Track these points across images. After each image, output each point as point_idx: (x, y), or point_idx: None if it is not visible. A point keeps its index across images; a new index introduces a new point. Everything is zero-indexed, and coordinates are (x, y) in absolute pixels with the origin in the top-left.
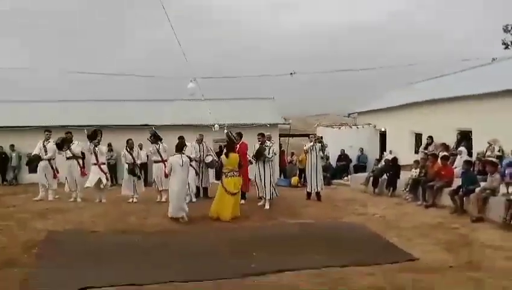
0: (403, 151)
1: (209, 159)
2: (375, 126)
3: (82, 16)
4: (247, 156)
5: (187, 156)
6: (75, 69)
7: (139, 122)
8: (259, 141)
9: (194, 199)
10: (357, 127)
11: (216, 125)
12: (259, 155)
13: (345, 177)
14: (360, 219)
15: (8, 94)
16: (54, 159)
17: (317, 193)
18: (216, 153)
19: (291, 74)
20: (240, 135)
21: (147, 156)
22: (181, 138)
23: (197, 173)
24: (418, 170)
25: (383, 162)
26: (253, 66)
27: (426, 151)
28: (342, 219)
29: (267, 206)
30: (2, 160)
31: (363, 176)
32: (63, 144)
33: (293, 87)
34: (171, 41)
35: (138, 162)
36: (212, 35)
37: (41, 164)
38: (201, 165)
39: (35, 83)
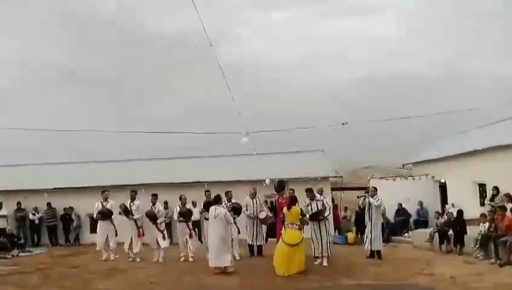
0: (466, 203)
1: (263, 214)
2: (433, 177)
3: (136, 75)
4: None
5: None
6: (129, 128)
7: (193, 179)
8: (308, 197)
9: (237, 257)
10: (414, 179)
11: (267, 180)
12: (316, 217)
13: (406, 234)
14: (427, 280)
15: (66, 156)
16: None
17: (378, 252)
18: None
19: (343, 124)
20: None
21: (200, 213)
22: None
23: (239, 231)
24: (486, 224)
25: (445, 216)
26: (303, 116)
27: (493, 204)
28: (407, 280)
29: (325, 263)
30: (65, 221)
31: (425, 231)
32: (127, 213)
33: (341, 139)
34: (223, 96)
35: (193, 218)
36: (261, 88)
37: (102, 224)
38: (255, 221)
39: (90, 144)
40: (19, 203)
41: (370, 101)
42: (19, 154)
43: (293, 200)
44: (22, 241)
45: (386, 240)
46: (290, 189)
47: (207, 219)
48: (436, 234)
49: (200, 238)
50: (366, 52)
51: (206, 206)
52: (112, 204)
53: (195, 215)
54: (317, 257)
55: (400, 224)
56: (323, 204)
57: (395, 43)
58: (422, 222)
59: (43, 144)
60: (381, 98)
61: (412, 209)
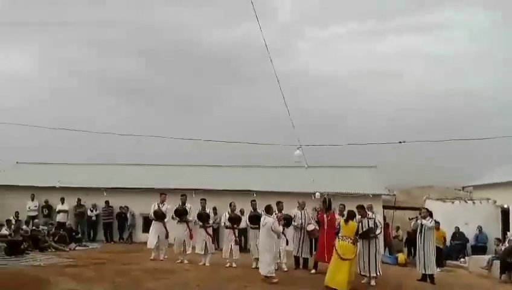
0: None
1: (310, 227)
2: (495, 202)
3: (196, 87)
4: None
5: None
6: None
7: (242, 187)
8: (359, 214)
9: (285, 268)
10: (474, 203)
11: (317, 194)
12: (366, 235)
13: (462, 259)
14: None
15: (125, 158)
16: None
17: (431, 275)
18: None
19: (400, 142)
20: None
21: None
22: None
23: (287, 243)
24: None
25: (506, 244)
26: (356, 132)
27: None
28: None
29: (372, 283)
30: (121, 219)
31: (483, 258)
32: (180, 216)
33: (396, 157)
34: (278, 109)
35: (239, 227)
36: (315, 101)
37: (155, 225)
38: (302, 232)
39: (148, 148)
40: (79, 200)
41: (431, 119)
42: (80, 154)
43: (351, 215)
44: (80, 235)
45: (441, 264)
46: (341, 204)
47: (252, 228)
48: (495, 262)
49: (245, 246)
50: (427, 69)
51: (252, 219)
52: (167, 207)
53: (242, 223)
54: (364, 276)
55: (456, 248)
56: (374, 222)
57: (460, 61)
58: (480, 248)
59: (105, 145)
60: (444, 117)
61: (470, 234)
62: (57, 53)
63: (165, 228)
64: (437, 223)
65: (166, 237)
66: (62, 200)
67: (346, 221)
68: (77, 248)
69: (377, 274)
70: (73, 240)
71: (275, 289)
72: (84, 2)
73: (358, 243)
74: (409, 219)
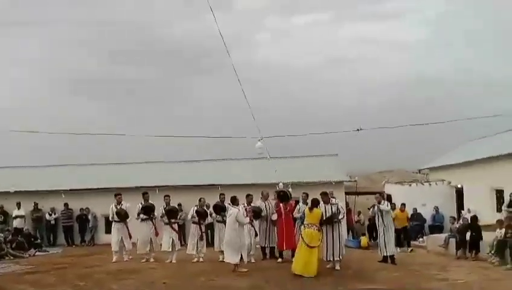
0: (483, 209)
1: (274, 217)
2: (449, 182)
3: (155, 80)
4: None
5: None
6: (148, 133)
7: (207, 182)
8: (322, 200)
9: (252, 260)
10: (430, 184)
11: (280, 184)
12: (330, 221)
13: (420, 239)
14: (441, 286)
15: (84, 157)
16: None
17: (391, 257)
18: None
19: (357, 130)
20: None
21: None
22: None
23: (257, 234)
24: (503, 230)
25: (461, 222)
26: (318, 121)
27: (511, 210)
28: (420, 285)
29: (337, 267)
30: (81, 222)
31: (440, 237)
32: (148, 213)
33: (356, 144)
34: (239, 100)
35: (206, 222)
36: (278, 92)
37: (117, 226)
38: (267, 223)
39: (111, 146)
40: (35, 204)
41: (388, 105)
42: (37, 156)
43: (314, 203)
44: (39, 241)
45: (399, 244)
46: (303, 192)
47: (218, 221)
48: (451, 239)
49: (212, 241)
50: (384, 56)
51: (216, 208)
52: (127, 206)
53: (209, 219)
54: (330, 261)
55: (414, 229)
56: (337, 208)
57: (416, 48)
58: (437, 227)
59: (62, 146)
60: (399, 102)
61: (427, 214)
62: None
63: (127, 228)
64: (403, 205)
65: (130, 237)
66: (18, 205)
67: (310, 209)
68: (37, 253)
69: (340, 258)
70: (32, 245)
71: (242, 281)
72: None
73: (323, 229)
74: (368, 208)
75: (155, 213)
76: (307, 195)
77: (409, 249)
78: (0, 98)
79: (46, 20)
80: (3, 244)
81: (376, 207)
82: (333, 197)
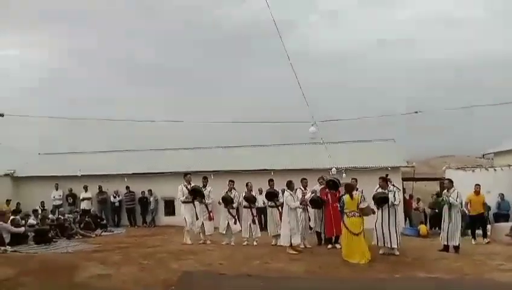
0: None
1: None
2: None
3: (207, 67)
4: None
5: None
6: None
7: (259, 167)
8: (380, 185)
9: (307, 245)
10: (495, 170)
11: (333, 169)
12: (382, 202)
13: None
14: (505, 277)
15: (143, 143)
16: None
17: (455, 247)
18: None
19: (415, 112)
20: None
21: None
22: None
23: (310, 219)
24: None
25: None
26: (374, 106)
27: None
28: (483, 275)
29: (397, 253)
30: (143, 204)
31: (506, 225)
32: (195, 195)
33: (415, 128)
34: (291, 83)
35: (257, 205)
36: (328, 76)
37: (188, 207)
38: (322, 209)
39: (170, 131)
40: (100, 187)
41: (447, 87)
42: (100, 143)
43: (349, 189)
44: (104, 221)
45: (463, 233)
46: (353, 178)
47: (271, 207)
48: None
49: (265, 225)
50: (443, 34)
51: (268, 195)
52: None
53: (260, 203)
54: (383, 247)
55: (478, 217)
56: (394, 195)
57: (473, 25)
58: (503, 216)
59: (124, 133)
60: (459, 83)
61: (492, 202)
62: (67, 44)
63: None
64: (477, 186)
65: (197, 218)
66: (85, 188)
67: (351, 196)
68: (103, 233)
69: (398, 245)
70: (98, 226)
71: (298, 265)
72: None
73: (377, 214)
74: (432, 195)
75: (208, 199)
76: (356, 180)
77: (486, 241)
78: (68, 92)
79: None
80: (72, 224)
81: (446, 198)
82: (392, 184)
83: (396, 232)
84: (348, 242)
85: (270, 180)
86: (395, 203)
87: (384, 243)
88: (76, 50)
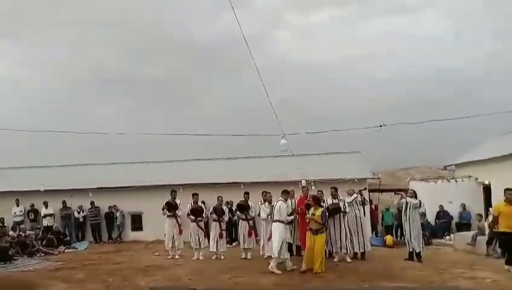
0: None
1: (289, 219)
2: (477, 179)
3: (179, 80)
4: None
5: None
6: (172, 131)
7: (228, 180)
8: (331, 195)
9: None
10: (456, 181)
11: (303, 181)
12: (334, 212)
13: (447, 237)
14: (469, 284)
15: (109, 157)
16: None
17: (418, 254)
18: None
19: (380, 126)
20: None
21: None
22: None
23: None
24: None
25: (489, 219)
26: (340, 118)
27: None
28: (447, 283)
29: (348, 260)
30: (109, 219)
31: (468, 234)
32: (170, 208)
33: (380, 140)
34: (258, 98)
35: (226, 219)
36: (300, 90)
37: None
38: (294, 221)
39: (137, 143)
40: (64, 202)
41: (409, 100)
42: (65, 156)
43: (318, 200)
44: (68, 238)
45: (427, 243)
46: (319, 191)
47: (242, 219)
48: (479, 237)
49: (236, 238)
50: (403, 51)
51: (240, 207)
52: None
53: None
54: (336, 253)
55: (441, 227)
56: (344, 203)
57: (434, 42)
58: (464, 225)
59: (89, 145)
60: (421, 98)
61: (454, 211)
62: (39, 54)
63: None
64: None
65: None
66: (45, 204)
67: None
68: (66, 250)
69: (348, 250)
70: (61, 243)
71: (268, 278)
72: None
73: (330, 222)
74: (395, 193)
75: (179, 211)
76: (336, 189)
77: None
78: (29, 99)
79: (70, 21)
80: (34, 241)
81: (404, 199)
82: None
83: (346, 238)
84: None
85: (246, 193)
86: (346, 210)
87: (334, 248)
88: (39, 59)
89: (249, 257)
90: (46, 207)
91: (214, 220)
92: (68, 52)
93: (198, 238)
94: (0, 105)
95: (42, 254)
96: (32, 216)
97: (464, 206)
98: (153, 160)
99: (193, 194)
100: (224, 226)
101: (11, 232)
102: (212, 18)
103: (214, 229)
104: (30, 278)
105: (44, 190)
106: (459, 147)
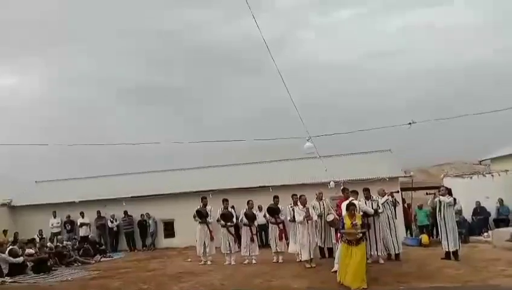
0: None
1: (330, 217)
2: None
3: (201, 86)
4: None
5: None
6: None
7: (257, 184)
8: (364, 196)
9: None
10: (492, 175)
11: (332, 183)
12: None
13: (485, 233)
14: (510, 282)
15: (141, 166)
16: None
17: (454, 252)
18: None
19: (409, 123)
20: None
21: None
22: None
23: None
24: None
25: None
26: (370, 118)
27: None
28: (487, 282)
29: (381, 261)
30: (142, 227)
31: (507, 230)
32: (200, 215)
33: (411, 137)
34: (285, 101)
35: (256, 223)
36: (325, 89)
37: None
38: (322, 223)
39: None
40: (98, 212)
41: (441, 95)
42: (98, 167)
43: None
44: (103, 247)
45: (464, 240)
46: (365, 188)
47: (272, 223)
48: None
49: (267, 242)
50: (432, 45)
51: (270, 211)
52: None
53: (260, 220)
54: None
55: (478, 223)
56: (377, 204)
57: (463, 34)
58: (503, 221)
59: (118, 156)
60: (454, 91)
61: (491, 207)
62: (65, 68)
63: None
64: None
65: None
66: (82, 214)
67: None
68: (102, 259)
69: (382, 253)
70: (97, 252)
71: (300, 281)
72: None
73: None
74: (426, 193)
75: (210, 218)
76: (369, 190)
77: None
78: (62, 117)
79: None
80: (71, 251)
81: (437, 198)
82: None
83: (382, 239)
84: (342, 255)
85: (275, 197)
86: (379, 211)
87: (377, 251)
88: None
89: (280, 261)
90: (83, 217)
91: (245, 225)
92: (96, 63)
93: (229, 244)
94: (37, 117)
95: (79, 264)
96: (68, 227)
97: (501, 201)
98: (182, 167)
99: (223, 200)
100: (255, 231)
101: (49, 244)
102: (235, 21)
103: (246, 233)
104: (69, 288)
105: (80, 201)
106: (494, 140)
